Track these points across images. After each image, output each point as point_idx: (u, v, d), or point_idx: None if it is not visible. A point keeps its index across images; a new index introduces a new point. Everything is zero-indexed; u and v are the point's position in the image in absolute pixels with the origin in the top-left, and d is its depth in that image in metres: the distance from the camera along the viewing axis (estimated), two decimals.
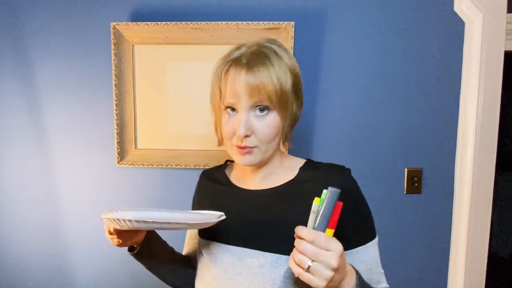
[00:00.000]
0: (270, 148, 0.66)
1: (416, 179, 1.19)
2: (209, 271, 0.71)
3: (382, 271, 0.70)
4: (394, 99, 1.17)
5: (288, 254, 0.58)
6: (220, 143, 0.74)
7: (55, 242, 1.26)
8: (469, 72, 1.15)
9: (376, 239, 0.69)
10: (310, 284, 0.50)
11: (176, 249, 0.87)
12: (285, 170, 0.72)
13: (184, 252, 0.89)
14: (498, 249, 2.79)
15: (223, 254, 0.69)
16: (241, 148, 0.64)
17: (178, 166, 1.20)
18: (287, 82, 0.62)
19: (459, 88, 1.17)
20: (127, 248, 0.75)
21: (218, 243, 0.71)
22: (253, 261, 0.65)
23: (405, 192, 1.20)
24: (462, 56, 1.16)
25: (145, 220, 0.56)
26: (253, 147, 0.64)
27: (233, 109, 0.65)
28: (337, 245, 0.50)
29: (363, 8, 1.15)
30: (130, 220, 0.55)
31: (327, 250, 0.49)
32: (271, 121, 0.64)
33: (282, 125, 0.65)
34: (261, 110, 0.63)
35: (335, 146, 1.19)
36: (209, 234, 0.73)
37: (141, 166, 1.20)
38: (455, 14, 1.14)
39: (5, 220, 1.26)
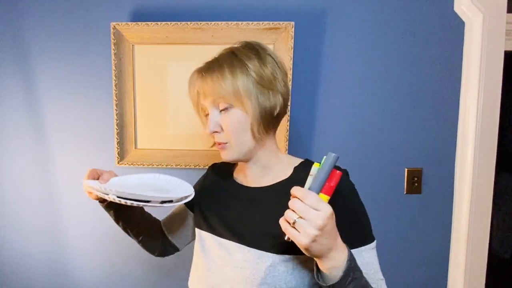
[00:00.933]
0: (242, 143, 0.69)
1: (416, 179, 1.19)
2: (202, 260, 0.74)
3: (381, 277, 0.67)
4: (394, 99, 1.17)
5: (272, 252, 0.64)
6: (213, 145, 0.79)
7: (55, 242, 1.26)
8: (469, 72, 1.15)
9: (373, 245, 0.67)
10: (294, 240, 0.51)
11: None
12: (281, 169, 0.73)
13: (164, 218, 0.94)
14: (498, 249, 2.79)
15: (214, 246, 0.72)
16: (218, 144, 0.71)
17: (178, 166, 1.20)
18: (242, 80, 0.65)
19: (459, 88, 1.17)
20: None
21: (211, 235, 0.74)
22: (239, 255, 0.67)
23: (405, 192, 1.20)
24: (462, 56, 1.16)
25: (128, 202, 0.63)
26: (225, 143, 0.70)
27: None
28: (327, 207, 0.50)
29: (363, 8, 1.15)
30: (114, 199, 0.63)
31: (316, 210, 0.50)
32: (233, 116, 0.67)
33: (249, 120, 0.67)
34: (225, 107, 0.68)
35: (335, 146, 1.19)
36: (204, 225, 0.77)
37: (141, 166, 1.20)
38: (455, 14, 1.14)
39: (5, 220, 1.26)
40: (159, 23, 1.12)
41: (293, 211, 0.52)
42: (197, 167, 1.19)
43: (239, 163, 0.80)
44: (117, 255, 1.25)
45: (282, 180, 0.71)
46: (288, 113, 1.15)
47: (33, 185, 1.24)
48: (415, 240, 1.21)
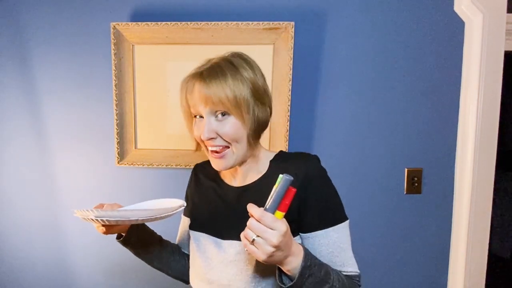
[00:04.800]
0: (240, 150, 0.71)
1: (416, 179, 1.19)
2: (197, 259, 0.78)
3: (351, 254, 0.71)
4: (394, 99, 1.17)
5: None
6: (196, 148, 0.82)
7: (55, 242, 1.26)
8: (469, 72, 1.15)
9: (343, 224, 0.70)
10: (253, 255, 0.57)
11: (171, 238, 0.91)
12: (260, 165, 0.77)
13: (177, 240, 0.95)
14: (498, 249, 2.79)
15: (209, 245, 0.76)
16: (215, 152, 0.71)
17: (178, 166, 1.20)
18: (242, 90, 0.68)
19: (459, 88, 1.17)
20: (115, 236, 0.81)
21: (205, 235, 0.78)
22: (231, 250, 0.72)
23: (405, 192, 1.20)
24: (462, 56, 1.16)
25: (105, 219, 0.66)
26: (226, 147, 0.71)
27: (201, 116, 0.72)
28: (282, 226, 0.54)
29: (363, 8, 1.15)
30: (92, 219, 0.66)
31: (272, 229, 0.54)
32: (231, 123, 0.69)
33: (245, 128, 0.70)
34: (222, 114, 0.69)
35: (334, 146, 1.19)
36: (198, 226, 0.81)
37: (141, 166, 1.20)
38: (455, 14, 1.14)
39: (5, 220, 1.26)
40: (159, 23, 1.12)
41: (250, 229, 0.56)
42: None
43: None
44: (117, 254, 1.25)
45: (261, 176, 0.75)
46: (288, 113, 1.15)
47: (33, 184, 1.24)
48: (415, 240, 1.21)
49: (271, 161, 0.76)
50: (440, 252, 1.22)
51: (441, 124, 1.18)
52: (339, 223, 0.70)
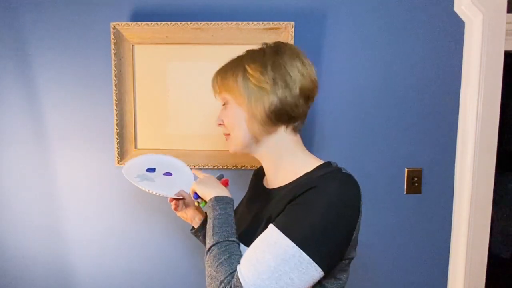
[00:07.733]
0: (238, 136, 0.74)
1: (416, 179, 1.19)
2: None
3: (259, 264, 0.59)
4: (394, 99, 1.17)
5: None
6: None
7: (54, 242, 1.25)
8: (469, 72, 1.15)
9: (292, 247, 0.58)
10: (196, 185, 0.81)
11: None
12: (292, 170, 0.72)
13: None
14: (498, 249, 2.79)
15: None
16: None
17: None
18: (240, 80, 0.72)
19: (459, 88, 1.17)
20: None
21: None
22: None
23: (405, 192, 1.20)
24: (462, 56, 1.16)
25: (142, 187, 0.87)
26: (228, 134, 0.78)
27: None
28: (204, 176, 0.84)
29: (363, 8, 1.15)
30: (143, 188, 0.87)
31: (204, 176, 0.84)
32: (228, 111, 0.75)
33: (243, 118, 0.73)
34: (224, 104, 0.77)
35: (335, 146, 1.19)
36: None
37: None
38: (455, 14, 1.14)
39: (5, 220, 1.26)
40: (159, 23, 1.12)
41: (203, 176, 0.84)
42: (197, 167, 1.18)
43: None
44: (117, 254, 1.25)
45: (288, 183, 0.70)
46: None
47: (33, 185, 1.24)
48: (415, 240, 1.21)
49: (307, 173, 0.69)
50: (440, 252, 1.22)
51: (441, 124, 1.18)
52: (290, 240, 0.58)
